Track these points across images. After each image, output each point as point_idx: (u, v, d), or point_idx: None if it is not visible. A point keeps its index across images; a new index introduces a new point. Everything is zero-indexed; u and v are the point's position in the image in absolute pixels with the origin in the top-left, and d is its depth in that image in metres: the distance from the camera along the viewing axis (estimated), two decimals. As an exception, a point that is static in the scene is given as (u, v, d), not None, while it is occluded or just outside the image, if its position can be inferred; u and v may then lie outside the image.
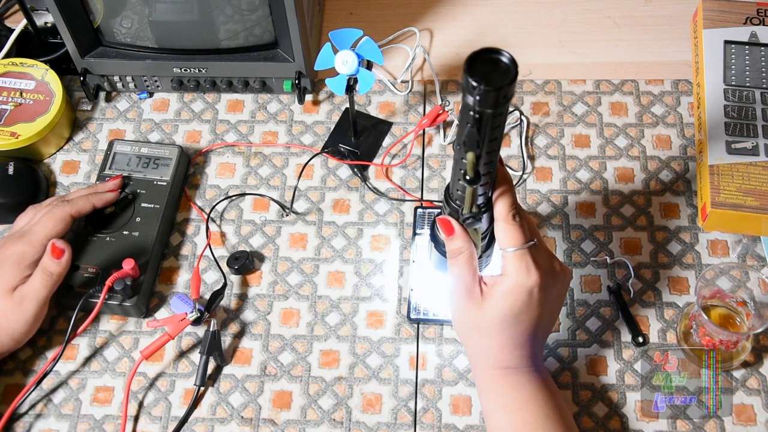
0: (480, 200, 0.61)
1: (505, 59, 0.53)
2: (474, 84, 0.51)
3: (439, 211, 0.68)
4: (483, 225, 0.64)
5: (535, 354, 0.65)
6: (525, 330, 0.63)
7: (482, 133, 0.54)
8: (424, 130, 0.94)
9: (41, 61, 0.96)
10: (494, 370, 0.65)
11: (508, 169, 0.90)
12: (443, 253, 0.68)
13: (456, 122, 0.94)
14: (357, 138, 0.94)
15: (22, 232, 0.80)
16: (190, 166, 0.93)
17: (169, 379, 0.81)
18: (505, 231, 0.61)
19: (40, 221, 0.80)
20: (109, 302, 0.81)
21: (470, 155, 0.56)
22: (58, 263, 0.78)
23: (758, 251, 0.85)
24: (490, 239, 0.67)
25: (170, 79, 0.96)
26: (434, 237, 0.70)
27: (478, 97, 0.52)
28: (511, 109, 0.94)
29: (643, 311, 0.82)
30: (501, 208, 0.61)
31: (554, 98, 0.96)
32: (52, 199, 0.85)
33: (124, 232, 0.85)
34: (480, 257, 0.67)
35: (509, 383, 0.64)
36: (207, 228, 0.88)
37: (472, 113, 0.53)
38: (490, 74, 0.52)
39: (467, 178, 0.58)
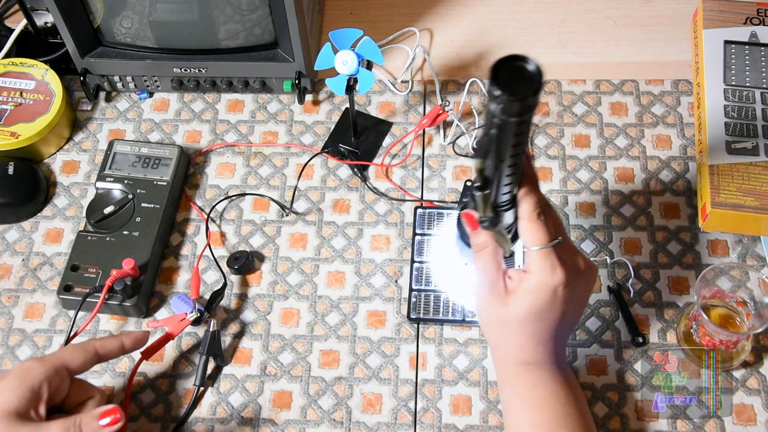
0: (506, 198, 0.61)
1: (531, 67, 0.51)
2: (497, 93, 0.50)
3: (465, 203, 0.67)
4: (508, 220, 0.63)
5: (557, 351, 0.64)
6: (548, 327, 0.63)
7: (504, 140, 0.53)
8: (424, 130, 0.94)
9: (41, 61, 0.96)
10: (515, 365, 0.64)
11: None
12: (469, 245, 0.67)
13: (456, 123, 0.94)
14: (357, 138, 0.94)
15: (46, 358, 0.67)
16: (190, 166, 0.93)
17: (169, 379, 0.81)
18: (529, 230, 0.61)
19: (66, 350, 0.69)
20: (109, 302, 0.81)
21: (476, 162, 0.55)
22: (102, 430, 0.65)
23: (758, 251, 0.85)
24: (515, 235, 0.66)
25: (170, 79, 0.96)
26: (461, 229, 0.69)
27: (501, 106, 0.51)
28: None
29: (643, 311, 0.82)
30: (525, 206, 0.60)
31: (554, 98, 0.96)
32: None
33: (124, 232, 0.85)
34: (509, 257, 0.67)
35: (529, 379, 0.64)
36: (207, 228, 0.88)
37: (495, 120, 0.52)
38: (515, 82, 0.50)
39: (476, 185, 0.57)
